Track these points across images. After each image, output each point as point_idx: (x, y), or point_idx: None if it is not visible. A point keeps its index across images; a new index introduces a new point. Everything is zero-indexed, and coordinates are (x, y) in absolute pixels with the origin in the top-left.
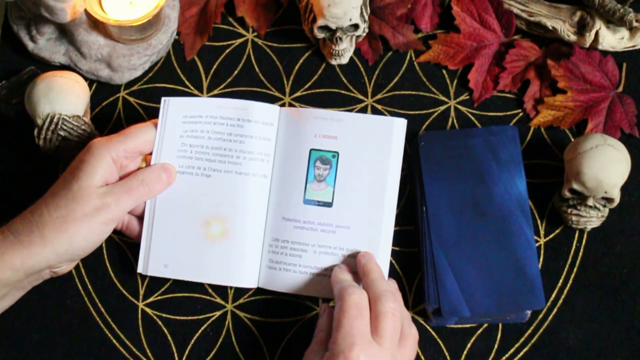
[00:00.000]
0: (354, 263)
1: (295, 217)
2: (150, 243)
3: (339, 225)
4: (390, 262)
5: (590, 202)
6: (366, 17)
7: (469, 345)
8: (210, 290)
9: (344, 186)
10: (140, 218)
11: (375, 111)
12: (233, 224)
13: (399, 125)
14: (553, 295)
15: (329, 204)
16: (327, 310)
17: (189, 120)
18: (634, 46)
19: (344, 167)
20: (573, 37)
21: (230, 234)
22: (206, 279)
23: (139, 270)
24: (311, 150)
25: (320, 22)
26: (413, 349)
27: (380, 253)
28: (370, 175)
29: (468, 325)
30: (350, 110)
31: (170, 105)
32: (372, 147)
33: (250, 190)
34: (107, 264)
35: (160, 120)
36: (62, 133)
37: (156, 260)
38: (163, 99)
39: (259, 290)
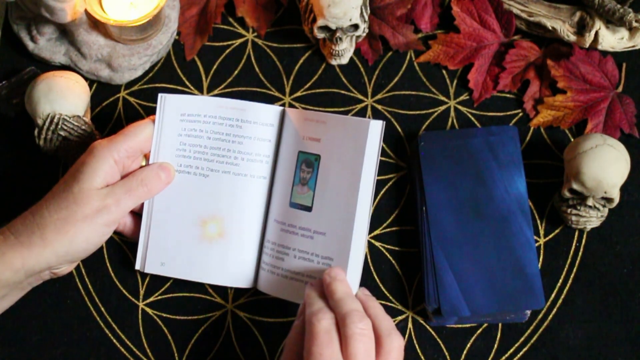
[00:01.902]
0: None
1: (282, 220)
2: (148, 241)
3: (316, 231)
4: (390, 262)
5: (589, 202)
6: (366, 17)
7: (468, 345)
8: (210, 290)
9: (322, 190)
10: (139, 218)
11: (375, 111)
12: (229, 224)
13: (374, 128)
14: (553, 295)
15: (308, 208)
16: (302, 315)
17: (187, 119)
18: (633, 46)
19: (324, 171)
20: (573, 37)
21: (227, 234)
22: (202, 279)
23: (137, 267)
24: (299, 152)
25: (320, 22)
26: None
27: (350, 262)
28: (345, 180)
29: (468, 325)
30: (350, 111)
31: (166, 102)
32: (348, 150)
33: (247, 192)
34: (108, 264)
35: (157, 117)
36: (62, 133)
37: (153, 257)
38: (160, 95)
39: (259, 290)
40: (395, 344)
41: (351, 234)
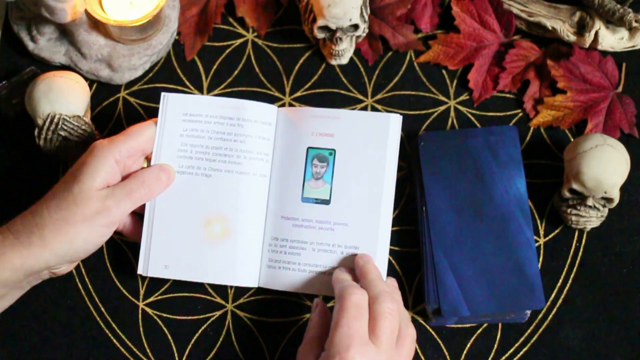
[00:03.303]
0: (352, 260)
1: (293, 216)
2: (150, 244)
3: (337, 223)
4: (390, 262)
5: (589, 202)
6: (366, 17)
7: (468, 345)
8: (210, 290)
9: (341, 183)
10: (141, 218)
11: (375, 111)
12: (234, 223)
13: (394, 121)
14: (553, 295)
15: (326, 202)
16: (319, 305)
17: (188, 119)
18: (633, 46)
19: (341, 164)
20: (573, 38)
21: (231, 233)
22: (207, 279)
23: (139, 271)
24: (308, 148)
25: (320, 22)
26: (411, 349)
27: (378, 249)
28: (367, 171)
29: (468, 325)
30: None
31: (169, 101)
32: (368, 143)
33: (250, 190)
34: (108, 264)
35: (160, 116)
36: (62, 133)
37: (156, 261)
38: (163, 94)
39: (259, 290)
40: (411, 332)
41: (378, 223)
